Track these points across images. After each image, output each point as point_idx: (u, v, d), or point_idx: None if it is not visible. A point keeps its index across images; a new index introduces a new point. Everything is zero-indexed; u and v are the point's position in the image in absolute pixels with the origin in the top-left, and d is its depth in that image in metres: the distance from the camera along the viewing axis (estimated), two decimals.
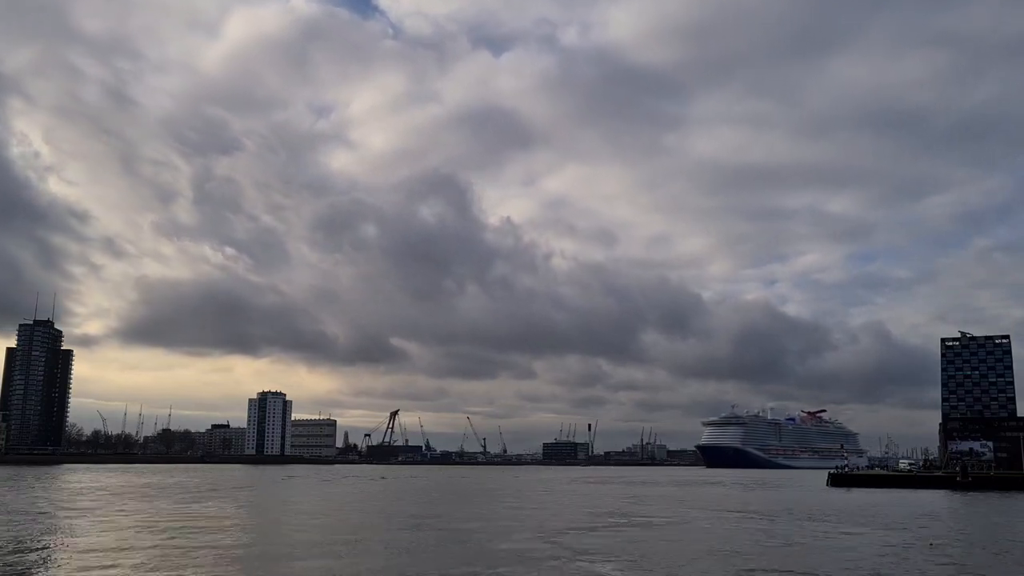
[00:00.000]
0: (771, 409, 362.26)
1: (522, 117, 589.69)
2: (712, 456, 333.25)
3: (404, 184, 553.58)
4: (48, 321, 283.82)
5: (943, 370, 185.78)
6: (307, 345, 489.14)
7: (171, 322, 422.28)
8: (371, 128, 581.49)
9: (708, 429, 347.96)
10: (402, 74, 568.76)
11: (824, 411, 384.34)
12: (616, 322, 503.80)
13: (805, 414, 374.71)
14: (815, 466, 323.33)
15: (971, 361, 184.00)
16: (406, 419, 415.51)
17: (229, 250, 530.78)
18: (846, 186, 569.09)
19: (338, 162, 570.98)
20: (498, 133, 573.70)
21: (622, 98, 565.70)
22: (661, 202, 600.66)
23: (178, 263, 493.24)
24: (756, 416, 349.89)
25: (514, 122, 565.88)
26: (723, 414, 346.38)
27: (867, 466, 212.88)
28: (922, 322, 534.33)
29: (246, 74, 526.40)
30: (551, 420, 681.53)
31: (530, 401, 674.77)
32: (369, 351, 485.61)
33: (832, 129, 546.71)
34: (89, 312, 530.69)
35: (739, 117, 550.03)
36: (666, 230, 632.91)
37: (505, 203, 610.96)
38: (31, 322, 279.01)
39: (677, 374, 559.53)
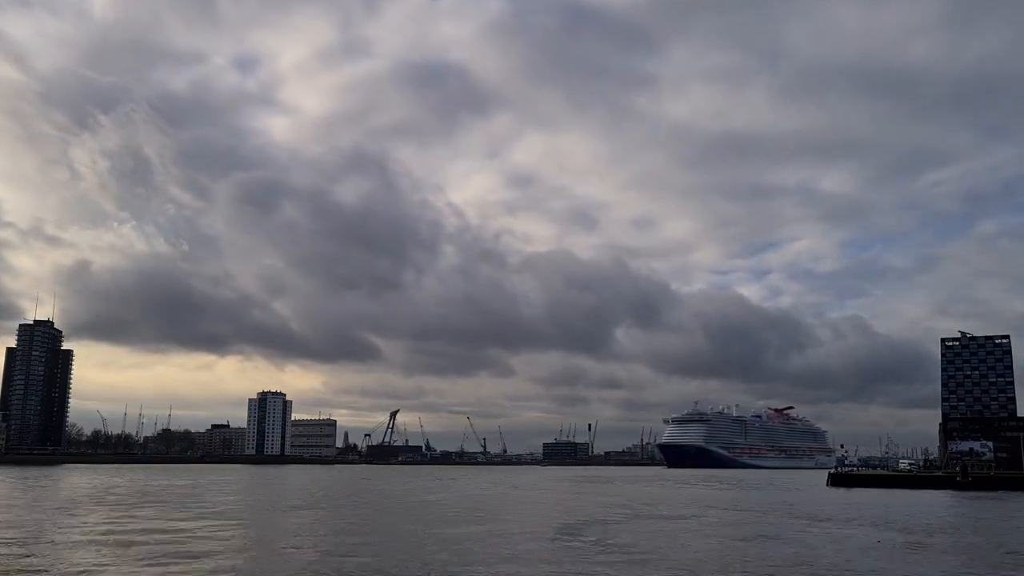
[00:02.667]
0: (737, 406, 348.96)
1: (471, 74, 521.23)
2: (673, 455, 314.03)
3: (346, 160, 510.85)
4: (48, 321, 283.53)
5: (943, 370, 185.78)
6: (273, 341, 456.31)
7: (128, 319, 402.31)
8: (300, 88, 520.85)
9: (670, 427, 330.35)
10: (326, 19, 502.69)
11: (792, 408, 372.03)
12: (595, 317, 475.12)
13: (772, 411, 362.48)
14: (782, 466, 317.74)
15: (971, 361, 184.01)
16: (405, 419, 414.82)
17: (154, 232, 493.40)
18: (839, 159, 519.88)
19: (271, 129, 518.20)
20: (446, 94, 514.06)
21: (583, 50, 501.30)
22: (636, 178, 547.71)
23: (113, 252, 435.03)
24: (720, 413, 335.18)
25: (463, 80, 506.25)
26: (686, 411, 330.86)
27: (835, 466, 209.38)
28: (921, 316, 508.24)
29: (143, 18, 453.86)
30: (548, 419, 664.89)
31: (511, 400, 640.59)
32: (343, 348, 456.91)
33: (820, 89, 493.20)
34: (48, 309, 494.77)
35: (715, 71, 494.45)
36: (644, 211, 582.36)
37: (465, 180, 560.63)
38: (31, 322, 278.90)
39: (661, 371, 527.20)
